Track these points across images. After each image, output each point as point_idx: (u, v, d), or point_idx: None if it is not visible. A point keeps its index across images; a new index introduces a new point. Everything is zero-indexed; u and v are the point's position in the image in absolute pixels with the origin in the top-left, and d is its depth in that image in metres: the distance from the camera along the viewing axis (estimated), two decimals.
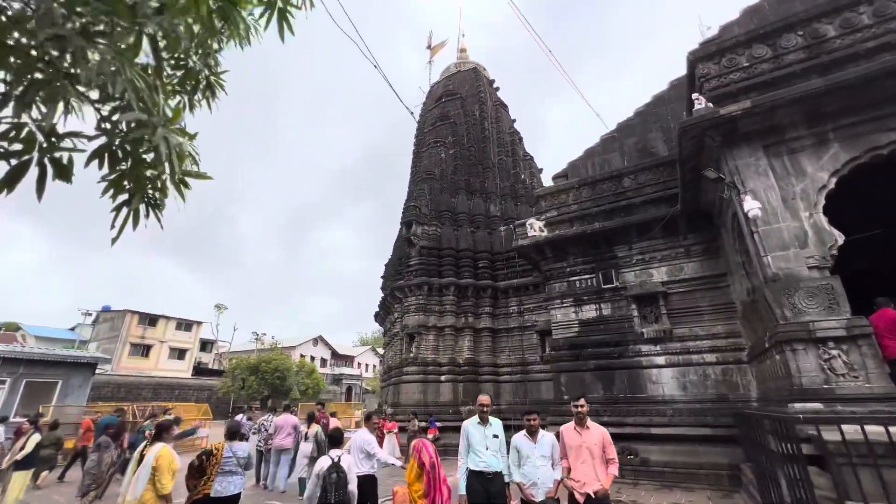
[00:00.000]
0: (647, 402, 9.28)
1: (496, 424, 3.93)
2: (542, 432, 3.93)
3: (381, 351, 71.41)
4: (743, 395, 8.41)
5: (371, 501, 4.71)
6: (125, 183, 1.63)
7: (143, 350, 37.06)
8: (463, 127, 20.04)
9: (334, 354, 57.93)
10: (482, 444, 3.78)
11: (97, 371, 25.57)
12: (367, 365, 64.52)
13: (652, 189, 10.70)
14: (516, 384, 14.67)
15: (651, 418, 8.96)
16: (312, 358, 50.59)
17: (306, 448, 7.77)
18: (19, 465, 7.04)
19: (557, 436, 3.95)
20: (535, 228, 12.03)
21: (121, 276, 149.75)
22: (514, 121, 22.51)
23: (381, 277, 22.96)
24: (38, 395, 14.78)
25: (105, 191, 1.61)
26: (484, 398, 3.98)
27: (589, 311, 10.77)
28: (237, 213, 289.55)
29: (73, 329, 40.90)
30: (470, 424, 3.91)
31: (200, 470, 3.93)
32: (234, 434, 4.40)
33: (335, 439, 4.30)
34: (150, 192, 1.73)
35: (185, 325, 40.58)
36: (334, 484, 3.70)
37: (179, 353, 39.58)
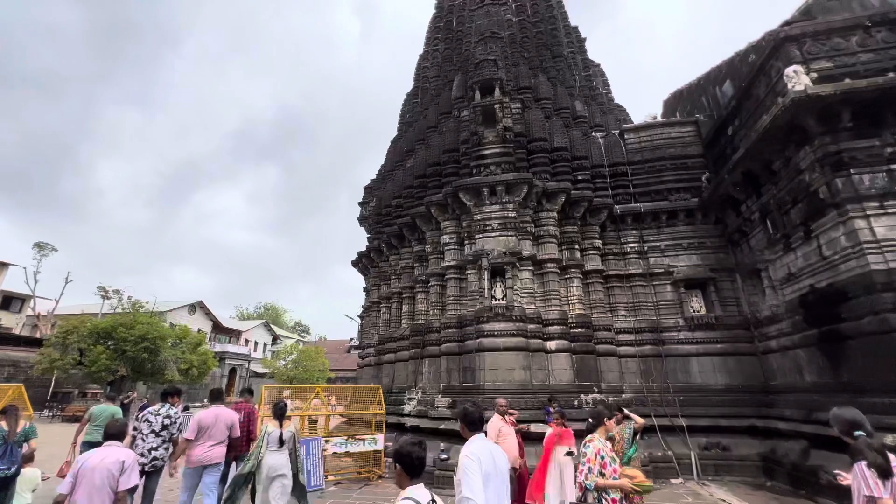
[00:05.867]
0: None
1: None
2: None
3: (277, 329, 59.45)
4: None
5: None
6: None
7: None
8: None
9: (216, 327, 45.57)
10: None
11: None
12: (256, 343, 52.75)
13: None
14: (648, 360, 9.30)
15: None
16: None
17: (279, 461, 4.53)
18: None
19: None
20: (802, 81, 6.75)
21: None
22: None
23: (361, 203, 15.51)
24: None
25: None
26: None
27: None
28: (95, 158, 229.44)
29: None
30: None
31: None
32: None
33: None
34: None
35: None
36: None
37: None
